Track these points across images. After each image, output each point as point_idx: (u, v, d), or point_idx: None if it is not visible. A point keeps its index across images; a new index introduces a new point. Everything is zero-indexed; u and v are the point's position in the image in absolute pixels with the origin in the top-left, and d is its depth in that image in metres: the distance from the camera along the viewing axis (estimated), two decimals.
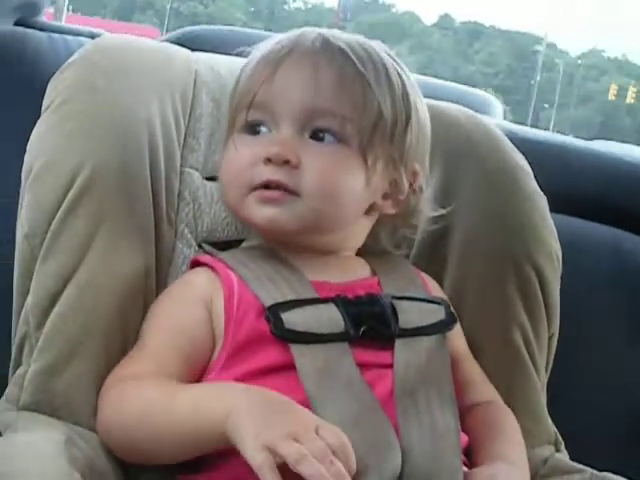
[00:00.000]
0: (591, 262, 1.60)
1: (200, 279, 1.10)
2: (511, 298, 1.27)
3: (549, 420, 1.28)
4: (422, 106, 1.17)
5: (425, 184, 1.18)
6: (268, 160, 1.06)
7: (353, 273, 1.14)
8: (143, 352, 1.06)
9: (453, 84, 1.96)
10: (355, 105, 1.08)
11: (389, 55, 1.14)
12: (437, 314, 1.13)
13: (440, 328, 1.12)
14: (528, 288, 1.28)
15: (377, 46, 1.14)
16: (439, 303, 1.15)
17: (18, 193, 1.11)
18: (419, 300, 1.13)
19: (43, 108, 1.13)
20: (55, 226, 1.06)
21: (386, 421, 0.98)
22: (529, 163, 1.34)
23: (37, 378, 1.03)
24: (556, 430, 1.28)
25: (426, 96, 1.20)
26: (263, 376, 1.01)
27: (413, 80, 1.16)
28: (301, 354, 1.01)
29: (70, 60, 1.17)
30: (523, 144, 1.38)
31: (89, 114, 1.11)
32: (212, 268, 1.10)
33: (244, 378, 1.01)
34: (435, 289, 1.22)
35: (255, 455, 0.86)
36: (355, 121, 1.08)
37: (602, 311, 1.60)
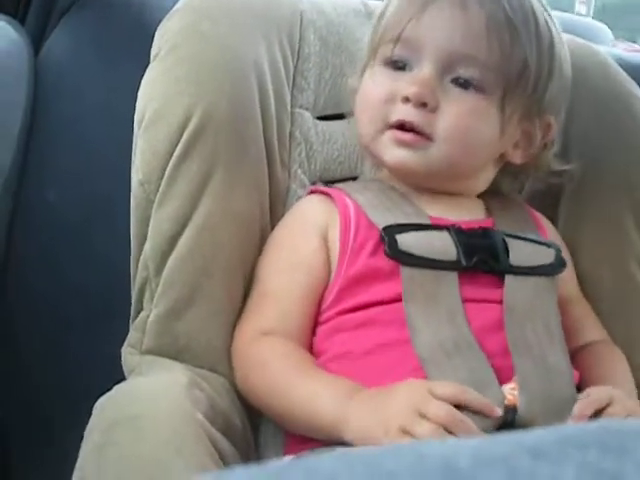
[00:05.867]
0: None
1: (315, 206, 1.11)
2: (628, 230, 1.25)
3: None
4: (566, 57, 1.14)
5: (557, 138, 1.16)
6: (406, 99, 1.05)
7: (469, 213, 1.12)
8: (267, 299, 1.07)
9: (560, 13, 1.92)
10: (502, 54, 1.05)
11: (539, 1, 1.11)
12: (547, 256, 1.11)
13: (549, 270, 1.10)
14: None
15: None
16: (550, 246, 1.13)
17: (129, 141, 1.12)
18: (531, 241, 1.12)
19: (152, 56, 1.14)
20: (170, 171, 1.07)
21: (482, 358, 0.96)
22: None
23: (159, 322, 1.05)
24: None
25: None
26: (370, 309, 1.01)
27: (560, 29, 1.14)
28: (410, 278, 1.01)
29: (175, 7, 1.17)
30: (635, 71, 1.34)
31: (197, 59, 1.12)
32: (328, 195, 1.11)
33: (352, 310, 1.02)
34: (550, 232, 1.20)
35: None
36: (499, 71, 1.06)
37: None
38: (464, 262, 1.03)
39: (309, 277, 1.06)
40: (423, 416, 0.86)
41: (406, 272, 1.01)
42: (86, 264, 1.37)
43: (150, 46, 1.15)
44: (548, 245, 1.13)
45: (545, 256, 1.11)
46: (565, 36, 1.32)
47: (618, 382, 1.07)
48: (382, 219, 1.05)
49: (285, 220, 1.13)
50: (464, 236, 1.05)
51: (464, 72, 1.05)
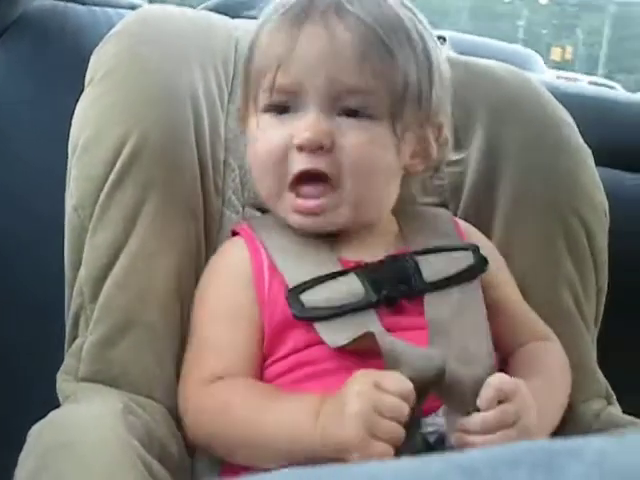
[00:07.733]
0: (637, 214, 1.59)
1: (242, 254, 1.08)
2: (559, 252, 1.27)
3: (600, 374, 1.27)
4: (440, 56, 1.11)
5: (450, 134, 1.14)
6: (301, 148, 1.02)
7: (383, 243, 1.11)
8: (210, 348, 1.04)
9: (494, 41, 1.95)
10: (381, 78, 1.02)
11: (404, 6, 1.07)
12: (465, 260, 1.11)
13: (469, 274, 1.10)
14: (575, 242, 1.27)
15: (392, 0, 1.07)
16: (467, 249, 1.13)
17: (63, 168, 1.12)
18: (446, 250, 1.11)
19: (86, 81, 1.14)
20: (103, 197, 1.06)
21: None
22: (572, 117, 1.33)
23: (94, 349, 1.04)
24: (607, 384, 1.27)
25: (467, 54, 1.19)
26: (301, 352, 1.01)
27: (429, 29, 1.10)
28: (327, 330, 1.00)
29: (111, 32, 1.17)
30: (565, 98, 1.37)
31: (132, 84, 1.12)
32: (245, 240, 1.09)
33: (286, 356, 1.02)
34: (475, 237, 1.19)
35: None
36: (382, 95, 1.03)
37: None
38: (373, 298, 1.02)
39: (250, 324, 1.04)
40: (380, 413, 0.85)
41: (321, 327, 1.00)
42: (20, 283, 1.35)
43: (85, 71, 1.15)
44: (465, 248, 1.13)
45: (462, 261, 1.11)
46: (496, 64, 1.35)
47: (545, 379, 1.08)
48: (290, 273, 1.04)
49: (216, 267, 1.10)
50: (370, 272, 1.04)
51: (349, 102, 1.03)
